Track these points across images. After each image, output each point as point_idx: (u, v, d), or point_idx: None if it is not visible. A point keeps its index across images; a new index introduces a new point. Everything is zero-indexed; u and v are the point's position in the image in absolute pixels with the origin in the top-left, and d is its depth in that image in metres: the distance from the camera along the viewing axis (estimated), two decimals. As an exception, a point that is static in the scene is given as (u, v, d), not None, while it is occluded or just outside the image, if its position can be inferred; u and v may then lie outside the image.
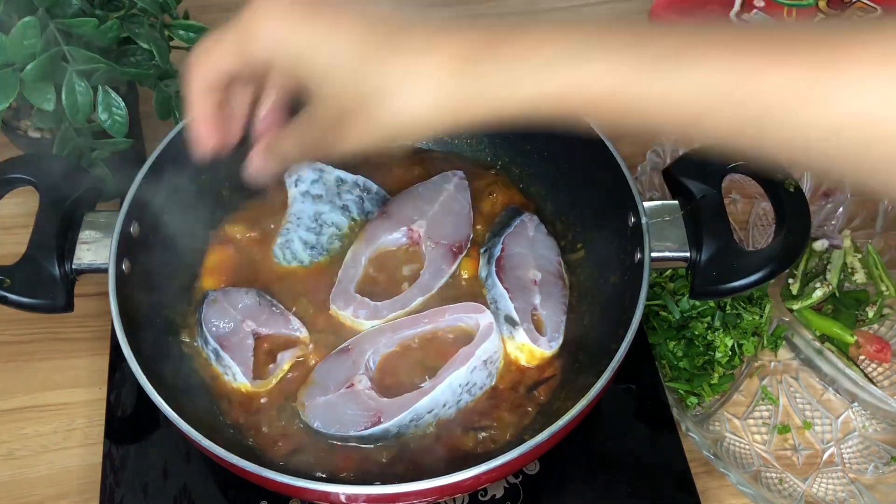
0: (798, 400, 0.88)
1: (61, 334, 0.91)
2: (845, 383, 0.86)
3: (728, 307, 0.87)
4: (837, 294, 0.93)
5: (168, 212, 0.83)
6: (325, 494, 0.65)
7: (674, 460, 0.81)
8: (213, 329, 0.79)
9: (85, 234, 0.77)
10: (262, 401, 0.78)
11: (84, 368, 0.88)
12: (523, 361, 0.80)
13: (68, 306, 0.76)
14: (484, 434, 0.76)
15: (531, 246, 0.86)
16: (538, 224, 0.88)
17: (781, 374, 0.90)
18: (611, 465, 0.81)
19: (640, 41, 0.49)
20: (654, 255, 0.75)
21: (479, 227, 0.89)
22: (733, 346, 0.86)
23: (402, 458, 0.74)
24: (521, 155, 0.93)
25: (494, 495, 0.78)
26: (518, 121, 0.53)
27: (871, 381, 0.87)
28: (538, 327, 0.81)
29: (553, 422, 0.66)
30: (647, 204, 0.77)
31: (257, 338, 0.80)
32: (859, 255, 0.94)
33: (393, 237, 0.87)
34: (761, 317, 0.88)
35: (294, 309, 0.83)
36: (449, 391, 0.75)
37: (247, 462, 0.65)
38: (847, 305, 0.92)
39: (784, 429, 0.86)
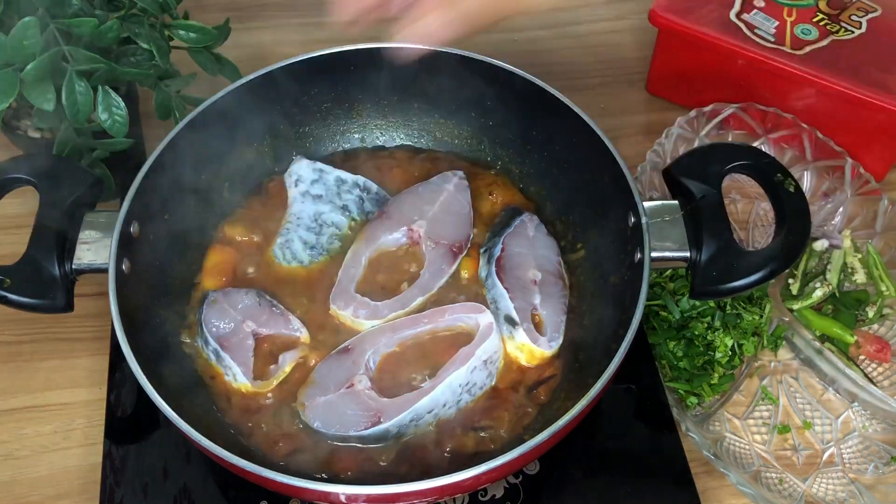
0: (798, 400, 0.88)
1: (61, 334, 0.91)
2: (845, 383, 0.86)
3: (728, 307, 0.87)
4: (837, 294, 0.93)
5: (168, 212, 0.83)
6: (325, 494, 0.65)
7: (674, 460, 0.81)
8: (214, 329, 0.79)
9: (85, 234, 0.76)
10: (263, 401, 0.78)
11: (84, 368, 0.88)
12: (523, 361, 0.80)
13: (68, 306, 0.76)
14: (484, 434, 0.76)
15: (531, 246, 0.86)
16: (538, 224, 0.88)
17: (781, 374, 0.90)
18: (611, 465, 0.81)
19: None
20: (654, 255, 0.75)
21: (479, 227, 0.89)
22: (733, 346, 0.86)
23: (402, 458, 0.74)
24: (521, 155, 0.94)
25: (494, 495, 0.78)
26: None
27: (871, 381, 0.87)
28: (538, 327, 0.81)
29: (553, 422, 0.66)
30: (647, 204, 0.77)
31: (257, 338, 0.80)
32: (859, 255, 0.94)
33: (393, 237, 0.87)
34: (761, 317, 0.88)
35: (294, 309, 0.83)
36: (449, 391, 0.75)
37: (247, 462, 0.65)
38: (847, 305, 0.92)
39: (784, 429, 0.86)
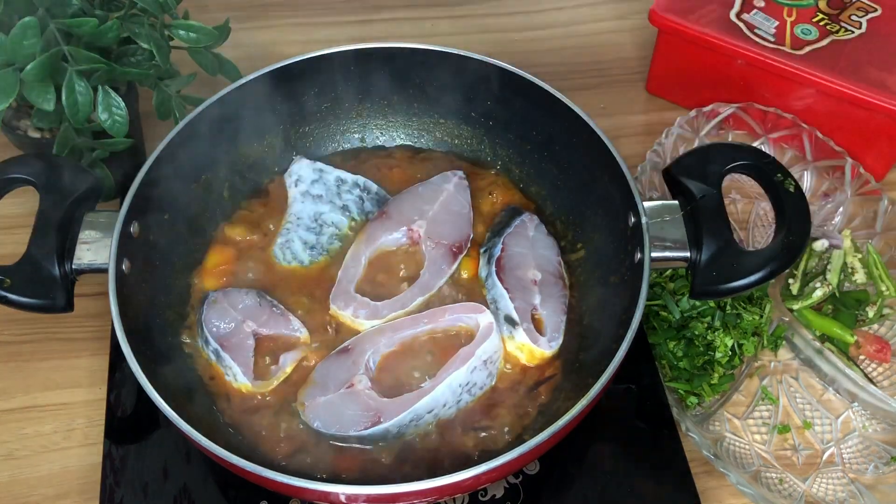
0: (798, 400, 0.88)
1: (61, 334, 0.91)
2: (845, 383, 0.86)
3: (728, 307, 0.87)
4: (837, 294, 0.93)
5: (168, 212, 0.83)
6: (325, 494, 0.65)
7: (674, 460, 0.81)
8: (214, 330, 0.79)
9: (85, 234, 0.76)
10: (263, 401, 0.78)
11: (84, 368, 0.88)
12: (523, 361, 0.80)
13: (68, 306, 0.76)
14: (484, 434, 0.76)
15: (531, 246, 0.86)
16: (538, 224, 0.88)
17: (781, 374, 0.90)
18: (611, 465, 0.81)
19: None
20: (654, 255, 0.75)
21: (479, 227, 0.89)
22: (733, 346, 0.86)
23: (402, 458, 0.74)
24: (521, 155, 0.94)
25: (494, 495, 0.78)
26: None
27: (871, 381, 0.87)
28: (538, 327, 0.81)
29: (553, 422, 0.66)
30: (647, 204, 0.77)
31: (258, 338, 0.80)
32: (859, 255, 0.94)
33: (393, 237, 0.87)
34: (761, 317, 0.88)
35: (294, 309, 0.83)
36: (449, 391, 0.75)
37: (247, 462, 0.65)
38: (847, 305, 0.92)
39: (784, 429, 0.86)
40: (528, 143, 0.92)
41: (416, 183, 0.92)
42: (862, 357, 0.90)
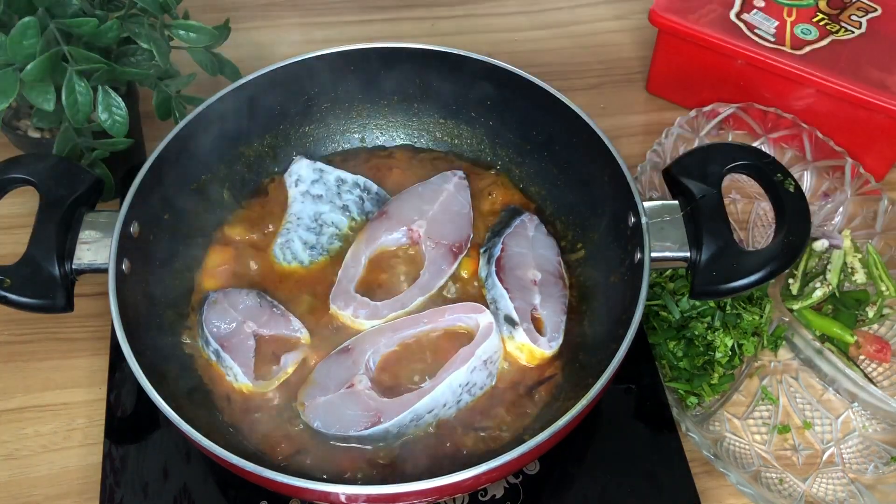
0: (798, 400, 0.88)
1: (61, 334, 0.91)
2: (845, 383, 0.86)
3: (728, 307, 0.87)
4: (837, 294, 0.93)
5: (168, 212, 0.83)
6: (325, 494, 0.65)
7: (674, 460, 0.81)
8: (214, 330, 0.79)
9: (85, 234, 0.76)
10: (263, 401, 0.78)
11: (84, 368, 0.88)
12: (523, 361, 0.80)
13: (68, 306, 0.76)
14: (484, 434, 0.76)
15: (531, 246, 0.86)
16: (538, 224, 0.88)
17: (781, 374, 0.90)
18: (611, 465, 0.81)
19: None
20: (654, 255, 0.75)
21: (479, 227, 0.89)
22: (733, 346, 0.86)
23: (402, 458, 0.74)
24: (521, 155, 0.93)
25: (494, 495, 0.78)
26: None
27: (871, 381, 0.87)
28: (538, 327, 0.81)
29: (553, 422, 0.66)
30: (647, 204, 0.77)
31: (258, 338, 0.80)
32: (859, 255, 0.94)
33: (393, 237, 0.87)
34: (761, 317, 0.87)
35: (294, 309, 0.83)
36: (449, 391, 0.75)
37: (247, 462, 0.65)
38: (847, 305, 0.92)
39: (784, 429, 0.86)
40: (528, 143, 0.92)
41: (416, 183, 0.92)
42: (862, 357, 0.90)
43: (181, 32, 0.91)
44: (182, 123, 0.83)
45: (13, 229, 0.98)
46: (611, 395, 0.83)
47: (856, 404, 0.87)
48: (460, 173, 0.91)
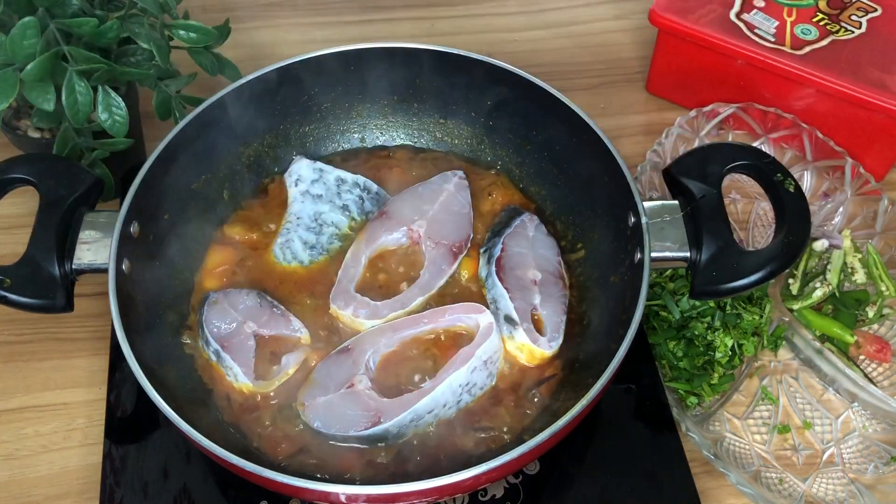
0: (798, 400, 0.88)
1: (61, 334, 0.91)
2: (845, 383, 0.86)
3: (728, 307, 0.87)
4: (837, 294, 0.93)
5: (168, 212, 0.83)
6: (325, 494, 0.65)
7: (674, 460, 0.81)
8: (215, 330, 0.79)
9: (85, 234, 0.76)
10: (263, 401, 0.78)
11: (84, 368, 0.88)
12: (523, 361, 0.80)
13: (68, 306, 0.76)
14: (484, 434, 0.76)
15: (531, 246, 0.86)
16: (538, 224, 0.88)
17: (781, 374, 0.90)
18: (611, 465, 0.81)
19: None
20: (654, 255, 0.75)
21: (479, 227, 0.89)
22: (733, 346, 0.86)
23: (402, 458, 0.74)
24: (521, 155, 0.94)
25: (494, 495, 0.78)
26: None
27: (871, 381, 0.87)
28: (538, 327, 0.81)
29: (553, 422, 0.66)
30: (647, 204, 0.77)
31: (259, 338, 0.80)
32: (859, 255, 0.94)
33: (393, 237, 0.87)
34: (761, 317, 0.87)
35: (294, 308, 0.83)
36: (449, 391, 0.75)
37: (247, 462, 0.65)
38: (847, 305, 0.92)
39: (784, 429, 0.86)
40: (528, 143, 0.92)
41: (416, 183, 0.92)
42: (862, 357, 0.90)
43: (181, 32, 0.91)
44: (182, 123, 0.83)
45: (13, 229, 0.98)
46: (611, 395, 0.83)
47: (856, 404, 0.87)
48: (460, 173, 0.91)
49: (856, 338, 0.89)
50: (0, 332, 0.91)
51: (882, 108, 0.97)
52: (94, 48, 0.85)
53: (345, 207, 0.89)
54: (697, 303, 0.87)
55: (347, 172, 0.91)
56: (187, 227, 0.86)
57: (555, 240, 0.88)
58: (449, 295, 0.84)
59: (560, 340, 0.80)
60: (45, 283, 0.74)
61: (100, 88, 0.86)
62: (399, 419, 0.74)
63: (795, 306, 0.91)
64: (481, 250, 0.87)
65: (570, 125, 0.85)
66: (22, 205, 0.98)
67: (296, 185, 0.90)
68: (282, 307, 0.82)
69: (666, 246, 0.76)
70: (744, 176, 0.80)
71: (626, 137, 1.10)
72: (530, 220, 0.88)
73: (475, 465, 0.64)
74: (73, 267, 0.75)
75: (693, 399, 0.85)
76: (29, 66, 0.79)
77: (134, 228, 0.78)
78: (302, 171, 0.90)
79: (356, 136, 0.98)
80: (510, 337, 0.80)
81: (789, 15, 1.06)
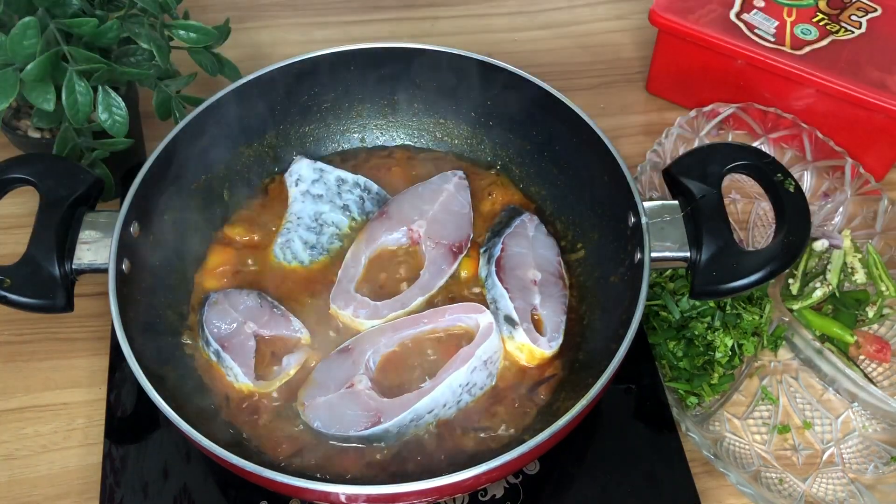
0: (798, 400, 0.88)
1: (61, 334, 0.91)
2: (845, 383, 0.86)
3: (728, 307, 0.87)
4: (837, 294, 0.93)
5: (168, 212, 0.83)
6: (325, 494, 0.65)
7: (674, 460, 0.81)
8: (215, 331, 0.79)
9: (85, 234, 0.76)
10: (263, 401, 0.78)
11: (84, 368, 0.88)
12: (523, 361, 0.80)
13: (68, 306, 0.76)
14: (484, 434, 0.76)
15: (531, 246, 0.86)
16: (538, 224, 0.88)
17: (781, 374, 0.90)
18: (611, 465, 0.81)
19: None
20: (654, 255, 0.75)
21: (479, 227, 0.89)
22: (733, 346, 0.86)
23: (402, 458, 0.74)
24: (521, 155, 0.94)
25: (494, 495, 0.78)
26: None
27: (871, 381, 0.87)
28: (538, 327, 0.81)
29: (553, 422, 0.66)
30: (647, 204, 0.77)
31: (259, 339, 0.80)
32: (859, 255, 0.94)
33: (393, 237, 0.87)
34: (761, 317, 0.87)
35: (294, 309, 0.83)
36: (449, 391, 0.75)
37: (247, 462, 0.65)
38: (847, 305, 0.92)
39: (784, 429, 0.86)
40: (528, 143, 0.92)
41: (416, 183, 0.92)
42: (862, 357, 0.90)
43: (181, 32, 0.91)
44: (182, 123, 0.83)
45: (13, 229, 0.98)
46: (611, 395, 0.83)
47: (856, 404, 0.87)
48: (460, 173, 0.91)
49: (856, 338, 0.89)
50: (0, 332, 0.91)
51: (882, 108, 0.97)
52: (94, 48, 0.85)
53: (345, 207, 0.89)
54: (697, 303, 0.87)
55: (348, 172, 0.91)
56: (187, 228, 0.86)
57: (555, 240, 0.88)
58: (449, 295, 0.84)
59: (560, 340, 0.80)
60: (45, 283, 0.74)
61: (100, 88, 0.86)
62: (399, 419, 0.74)
63: (795, 306, 0.91)
64: (481, 250, 0.87)
65: (570, 125, 0.85)
66: (22, 205, 0.98)
67: (296, 184, 0.90)
68: (282, 307, 0.82)
69: (666, 246, 0.76)
70: (744, 176, 0.80)
71: (625, 137, 1.10)
72: (530, 220, 0.88)
73: (475, 465, 0.64)
74: (73, 267, 0.75)
75: (693, 399, 0.85)
76: (29, 66, 0.79)
77: (134, 228, 0.78)
78: (302, 171, 0.90)
79: (356, 136, 0.98)
80: (510, 337, 0.80)
81: (789, 15, 1.06)
